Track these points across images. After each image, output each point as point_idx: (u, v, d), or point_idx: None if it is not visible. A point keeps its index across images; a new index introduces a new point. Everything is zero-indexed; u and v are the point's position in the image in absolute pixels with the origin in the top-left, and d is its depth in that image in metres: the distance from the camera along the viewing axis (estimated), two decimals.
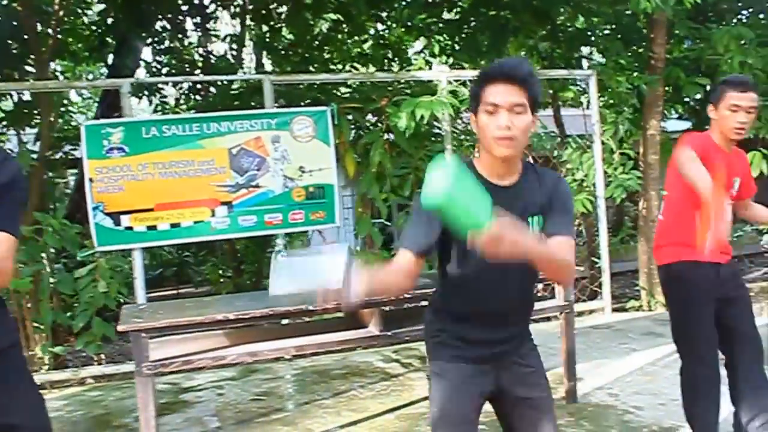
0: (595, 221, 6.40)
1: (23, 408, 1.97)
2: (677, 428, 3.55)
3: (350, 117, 5.81)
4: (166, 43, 7.55)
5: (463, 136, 5.99)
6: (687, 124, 9.12)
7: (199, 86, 7.20)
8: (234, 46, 7.48)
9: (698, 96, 7.17)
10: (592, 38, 6.96)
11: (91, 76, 8.98)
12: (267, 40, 6.99)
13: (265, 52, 7.11)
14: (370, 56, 8.04)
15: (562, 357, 4.05)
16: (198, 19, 7.42)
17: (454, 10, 7.23)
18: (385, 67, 7.46)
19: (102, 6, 7.45)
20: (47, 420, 2.07)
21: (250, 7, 7.21)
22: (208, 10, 7.39)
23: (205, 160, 5.34)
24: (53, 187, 6.76)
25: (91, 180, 5.15)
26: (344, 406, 4.31)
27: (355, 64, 8.04)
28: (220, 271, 8.02)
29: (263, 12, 6.93)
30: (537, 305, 4.00)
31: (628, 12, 6.46)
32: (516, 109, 1.80)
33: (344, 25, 7.26)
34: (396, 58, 7.97)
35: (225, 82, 6.57)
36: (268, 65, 7.59)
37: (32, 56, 6.22)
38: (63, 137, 6.69)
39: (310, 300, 3.11)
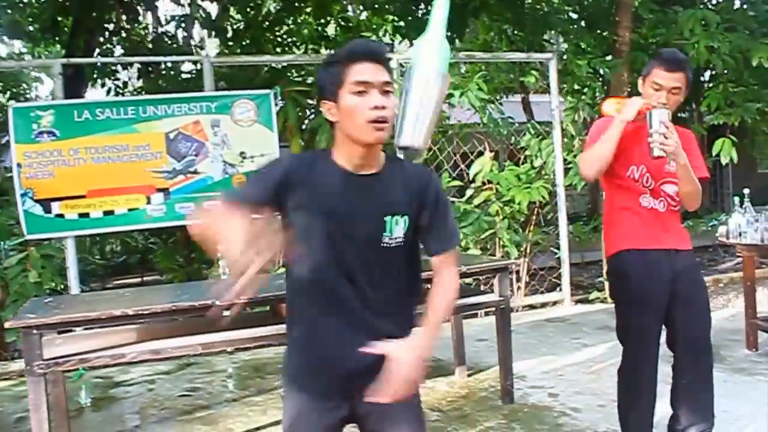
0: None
1: None
2: None
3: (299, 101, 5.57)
4: (119, 25, 7.28)
5: None
6: None
7: (150, 69, 6.93)
8: (183, 27, 7.21)
9: None
10: (555, 22, 6.68)
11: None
12: (213, 20, 6.72)
13: (213, 33, 6.82)
14: (335, 39, 7.78)
15: (498, 355, 3.86)
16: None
17: None
18: None
19: None
20: None
21: None
22: None
23: (140, 145, 5.10)
24: None
25: (19, 165, 4.92)
26: (273, 404, 4.11)
27: (318, 48, 7.77)
28: (178, 259, 7.80)
29: None
30: (474, 299, 3.85)
31: None
32: (386, 88, 1.64)
33: (302, 5, 6.98)
34: None
35: (169, 65, 6.31)
36: (219, 48, 7.33)
37: None
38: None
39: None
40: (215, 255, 1.54)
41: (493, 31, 7.34)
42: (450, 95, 5.56)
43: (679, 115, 8.45)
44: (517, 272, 6.37)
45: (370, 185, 1.70)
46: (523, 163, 6.07)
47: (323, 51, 7.65)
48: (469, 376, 4.40)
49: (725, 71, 6.70)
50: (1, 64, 5.13)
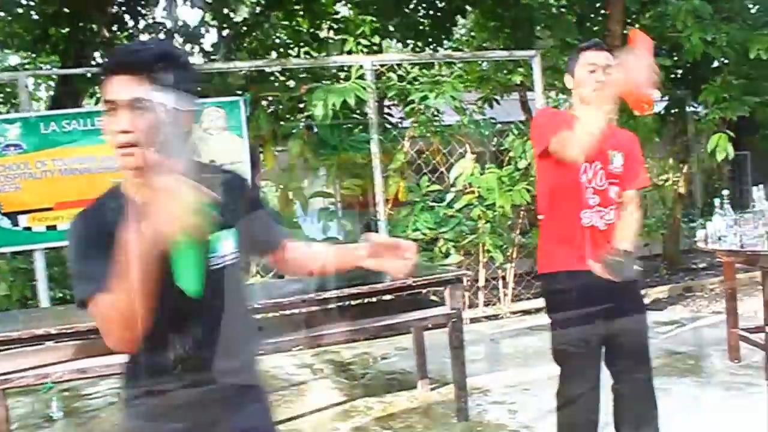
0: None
1: None
2: None
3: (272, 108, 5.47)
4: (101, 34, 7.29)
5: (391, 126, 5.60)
6: None
7: None
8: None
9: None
10: (539, 17, 6.44)
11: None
12: (191, 29, 6.66)
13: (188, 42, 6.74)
14: (329, 41, 7.64)
15: (452, 371, 3.68)
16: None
17: None
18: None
19: None
20: None
21: None
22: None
23: (107, 156, 5.01)
24: None
25: None
26: None
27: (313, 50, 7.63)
28: None
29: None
30: (420, 314, 3.67)
31: None
32: (138, 105, 1.37)
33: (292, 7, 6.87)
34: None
35: None
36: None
37: None
38: None
39: None
40: None
41: (486, 31, 7.16)
42: (425, 97, 5.39)
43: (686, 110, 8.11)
44: (503, 278, 6.15)
45: None
46: (507, 165, 5.84)
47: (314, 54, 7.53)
48: (432, 389, 4.24)
49: (725, 62, 6.37)
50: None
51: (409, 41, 7.16)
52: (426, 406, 3.98)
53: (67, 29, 7.51)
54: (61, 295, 5.51)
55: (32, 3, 7.57)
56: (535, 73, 5.63)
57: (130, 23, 7.31)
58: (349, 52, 5.84)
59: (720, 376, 4.10)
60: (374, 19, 5.75)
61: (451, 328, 3.61)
